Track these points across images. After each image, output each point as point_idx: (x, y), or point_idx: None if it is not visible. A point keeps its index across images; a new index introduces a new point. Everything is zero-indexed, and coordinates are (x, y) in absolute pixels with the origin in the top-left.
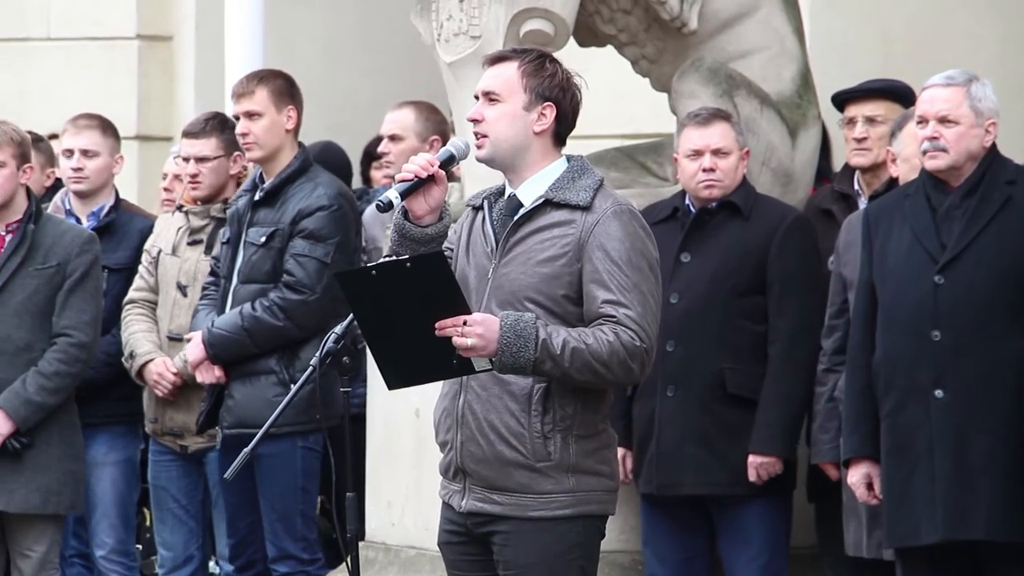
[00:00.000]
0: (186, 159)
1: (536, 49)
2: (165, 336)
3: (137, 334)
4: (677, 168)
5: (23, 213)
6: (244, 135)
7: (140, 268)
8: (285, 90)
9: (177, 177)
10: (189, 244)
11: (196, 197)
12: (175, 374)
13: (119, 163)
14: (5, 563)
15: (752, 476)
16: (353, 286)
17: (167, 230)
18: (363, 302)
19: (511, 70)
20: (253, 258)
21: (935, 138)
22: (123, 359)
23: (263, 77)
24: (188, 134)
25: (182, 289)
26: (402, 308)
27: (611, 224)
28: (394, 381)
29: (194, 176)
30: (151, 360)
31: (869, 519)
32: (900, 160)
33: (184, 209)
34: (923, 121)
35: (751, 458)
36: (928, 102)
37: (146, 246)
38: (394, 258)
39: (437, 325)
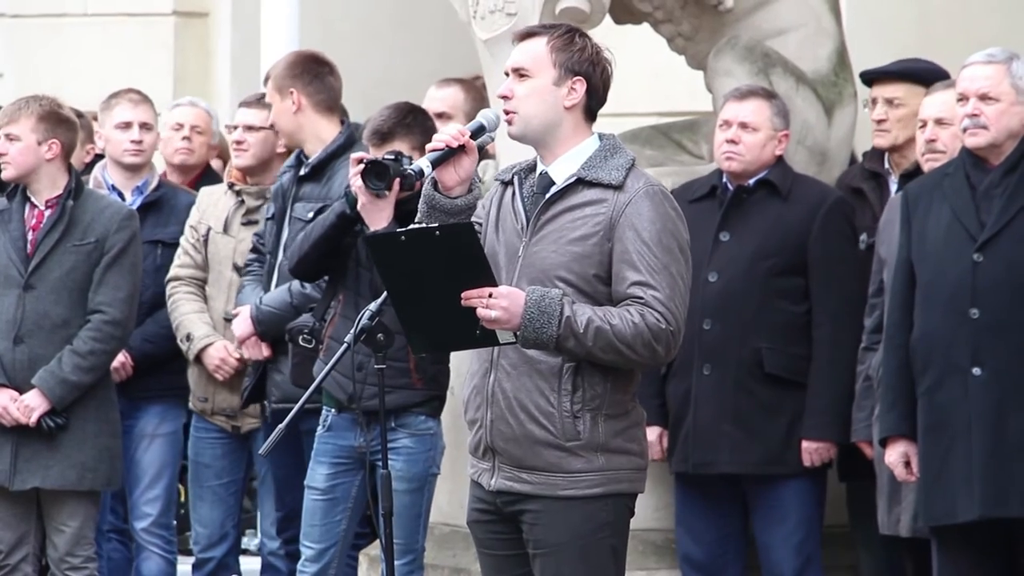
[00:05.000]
0: (235, 128)
1: (565, 24)
2: (222, 317)
3: (191, 315)
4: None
5: (63, 189)
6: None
7: (185, 244)
8: (285, 74)
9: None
10: (243, 224)
11: (240, 166)
12: (238, 359)
13: (159, 138)
14: (41, 537)
15: (807, 461)
16: (382, 250)
17: (214, 207)
18: (391, 266)
19: (540, 45)
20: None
21: (975, 115)
22: (179, 340)
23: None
24: (244, 103)
25: (239, 270)
26: (429, 275)
27: (643, 204)
28: (419, 346)
29: (239, 143)
30: (211, 344)
31: (889, 496)
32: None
33: (236, 188)
34: (963, 99)
35: (805, 443)
36: (968, 79)
37: (191, 222)
38: (424, 226)
39: (463, 295)
